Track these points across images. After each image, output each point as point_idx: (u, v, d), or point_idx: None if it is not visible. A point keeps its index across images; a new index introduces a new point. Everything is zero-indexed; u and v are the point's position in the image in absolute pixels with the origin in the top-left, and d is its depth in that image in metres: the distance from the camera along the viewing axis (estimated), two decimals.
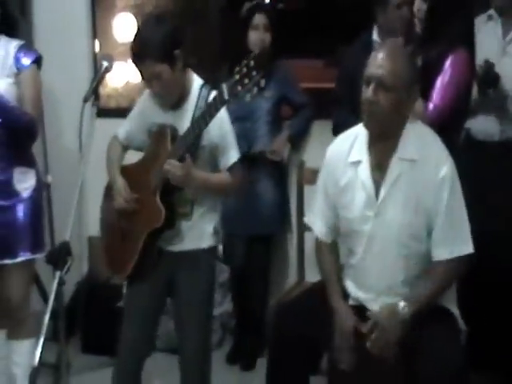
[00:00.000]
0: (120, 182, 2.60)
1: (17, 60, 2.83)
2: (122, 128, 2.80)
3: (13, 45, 2.84)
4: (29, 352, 2.83)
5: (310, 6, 4.11)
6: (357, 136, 2.54)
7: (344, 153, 2.55)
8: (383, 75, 2.31)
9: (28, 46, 2.93)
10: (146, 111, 2.69)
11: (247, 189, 3.33)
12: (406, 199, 2.42)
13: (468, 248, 2.41)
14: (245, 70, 2.31)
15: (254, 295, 3.66)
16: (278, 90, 3.45)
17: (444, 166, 2.40)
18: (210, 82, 2.61)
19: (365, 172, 2.48)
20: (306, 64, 3.88)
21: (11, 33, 2.89)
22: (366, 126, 2.45)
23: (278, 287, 3.76)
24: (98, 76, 2.52)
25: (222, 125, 2.53)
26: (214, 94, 2.56)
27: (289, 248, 3.77)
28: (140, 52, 2.54)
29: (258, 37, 3.40)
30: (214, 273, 2.84)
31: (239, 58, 2.56)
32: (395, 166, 2.42)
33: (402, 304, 2.38)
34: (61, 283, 2.22)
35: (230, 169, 2.56)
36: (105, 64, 2.51)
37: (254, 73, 2.29)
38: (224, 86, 2.35)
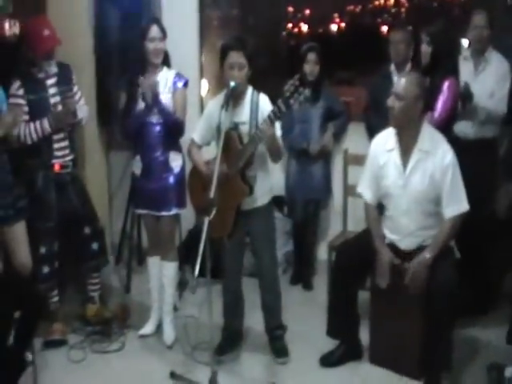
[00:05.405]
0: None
1: (174, 83, 3.36)
2: (196, 133, 3.21)
3: (171, 72, 3.39)
4: (173, 269, 3.55)
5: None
6: (389, 134, 3.15)
7: (382, 144, 3.15)
8: (398, 91, 3.01)
9: (180, 74, 3.41)
10: (213, 114, 3.08)
11: (305, 169, 4.20)
12: (423, 174, 3.02)
13: (466, 206, 3.02)
14: (292, 88, 2.69)
15: (308, 239, 4.38)
16: (326, 102, 4.15)
17: (448, 155, 2.98)
18: (274, 94, 2.97)
19: (396, 156, 3.08)
20: None
21: (167, 64, 3.44)
22: (390, 123, 3.06)
23: (323, 234, 4.55)
24: (229, 92, 2.96)
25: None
26: (262, 96, 3.01)
27: (330, 208, 4.53)
28: (239, 44, 2.95)
29: (310, 68, 4.07)
30: (274, 217, 3.33)
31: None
32: (416, 154, 3.04)
33: (427, 254, 2.97)
34: (208, 226, 2.62)
35: None
36: (232, 84, 2.97)
37: (301, 89, 2.67)
38: (280, 101, 2.74)
